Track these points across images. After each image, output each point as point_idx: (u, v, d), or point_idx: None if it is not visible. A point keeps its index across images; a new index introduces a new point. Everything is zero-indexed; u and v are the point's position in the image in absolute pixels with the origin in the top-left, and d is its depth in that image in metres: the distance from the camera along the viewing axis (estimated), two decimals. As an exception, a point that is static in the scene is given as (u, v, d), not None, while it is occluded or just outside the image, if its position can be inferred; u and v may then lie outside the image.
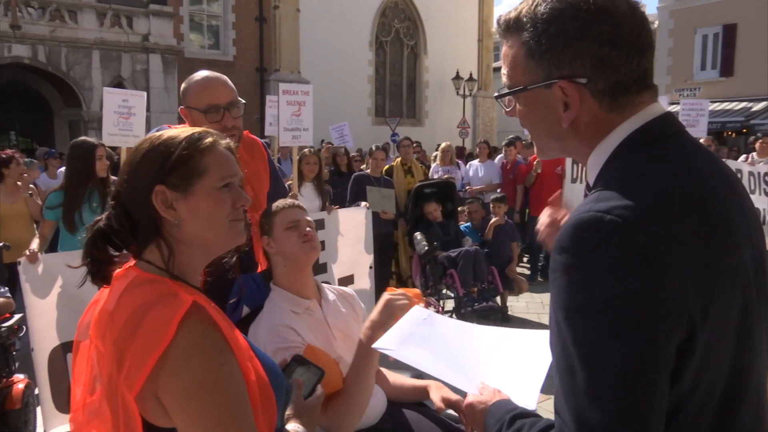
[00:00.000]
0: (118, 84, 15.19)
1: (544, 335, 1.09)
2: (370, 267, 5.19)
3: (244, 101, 2.37)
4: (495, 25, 1.05)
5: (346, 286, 4.28)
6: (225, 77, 2.37)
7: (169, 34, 16.49)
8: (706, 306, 0.83)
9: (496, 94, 1.08)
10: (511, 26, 0.98)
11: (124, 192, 1.18)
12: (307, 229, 2.16)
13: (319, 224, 4.80)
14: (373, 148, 6.69)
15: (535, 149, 1.11)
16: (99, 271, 1.20)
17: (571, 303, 0.84)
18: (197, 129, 1.23)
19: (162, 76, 16.16)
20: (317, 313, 2.13)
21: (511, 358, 1.50)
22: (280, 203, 2.24)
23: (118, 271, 1.19)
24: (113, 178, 3.95)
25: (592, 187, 0.95)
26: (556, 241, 0.88)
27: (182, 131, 1.21)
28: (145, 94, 6.14)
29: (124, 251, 1.21)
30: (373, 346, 1.74)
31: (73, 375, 1.20)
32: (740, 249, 0.89)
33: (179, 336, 1.03)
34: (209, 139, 1.20)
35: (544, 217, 1.47)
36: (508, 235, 6.50)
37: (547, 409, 1.12)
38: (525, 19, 0.96)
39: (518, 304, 6.75)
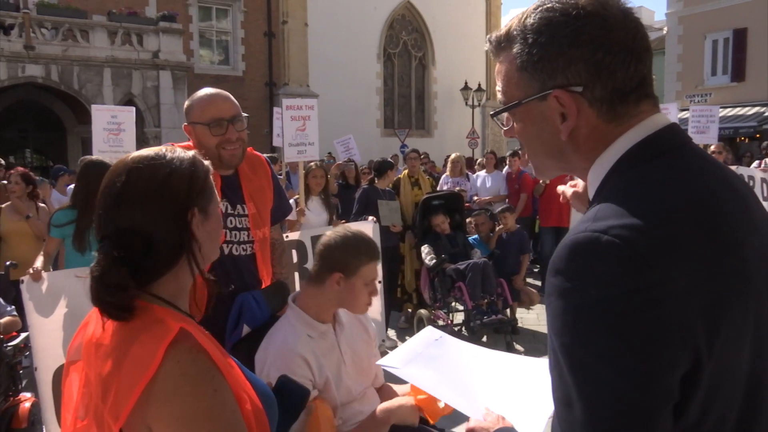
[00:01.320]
0: (129, 101, 15.34)
1: None
2: (379, 281, 5.13)
3: (247, 115, 2.38)
4: (486, 44, 1.04)
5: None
6: (227, 92, 2.39)
7: (178, 50, 16.58)
8: (712, 334, 0.77)
9: (491, 113, 1.05)
10: (502, 42, 0.96)
11: (143, 217, 1.09)
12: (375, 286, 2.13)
13: (326, 239, 4.79)
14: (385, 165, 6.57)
15: (533, 170, 1.05)
16: (112, 298, 1.08)
17: (566, 329, 0.79)
18: (190, 152, 1.19)
19: (172, 92, 16.22)
20: (330, 338, 2.12)
21: (521, 387, 1.46)
22: (373, 251, 2.13)
23: None
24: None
25: (591, 203, 0.91)
26: (551, 263, 0.83)
27: (181, 152, 1.17)
28: (133, 109, 6.17)
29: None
30: (378, 362, 1.78)
31: (63, 399, 1.19)
32: (749, 268, 0.83)
33: (167, 365, 1.00)
34: (207, 162, 1.21)
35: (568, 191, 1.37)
36: (517, 245, 6.41)
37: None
38: (515, 33, 0.93)
39: (529, 316, 6.68)
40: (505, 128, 1.02)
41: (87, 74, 15.16)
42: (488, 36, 1.01)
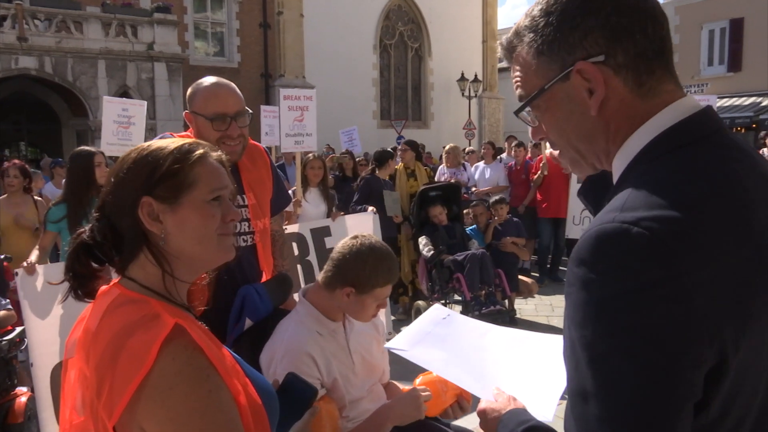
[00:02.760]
0: (124, 93, 15.25)
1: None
2: None
3: (251, 111, 2.34)
4: (499, 49, 1.03)
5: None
6: (233, 85, 2.34)
7: (173, 42, 16.47)
8: (739, 330, 0.75)
9: (515, 110, 1.00)
10: (513, 41, 0.95)
11: (110, 203, 1.14)
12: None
13: (325, 231, 4.78)
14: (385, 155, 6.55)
15: (566, 165, 0.99)
16: (82, 287, 1.15)
17: (588, 321, 0.76)
18: (188, 140, 1.20)
19: (167, 84, 16.12)
20: (340, 336, 2.08)
21: (531, 365, 1.43)
22: (393, 274, 2.05)
23: (103, 287, 1.15)
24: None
25: (615, 189, 0.87)
26: (574, 252, 0.80)
27: (172, 142, 1.18)
28: (145, 103, 6.21)
29: (108, 266, 1.16)
30: (386, 345, 1.73)
31: (62, 394, 1.17)
32: None
33: (161, 362, 0.98)
34: (199, 151, 1.15)
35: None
36: (514, 233, 6.44)
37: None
38: (523, 27, 0.92)
39: (527, 306, 6.69)
40: (533, 126, 0.98)
41: (81, 66, 15.06)
42: (499, 42, 1.00)
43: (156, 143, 1.17)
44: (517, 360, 1.47)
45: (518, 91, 0.96)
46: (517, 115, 0.98)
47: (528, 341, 1.59)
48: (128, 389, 0.96)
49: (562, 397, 1.20)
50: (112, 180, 1.15)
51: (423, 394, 1.92)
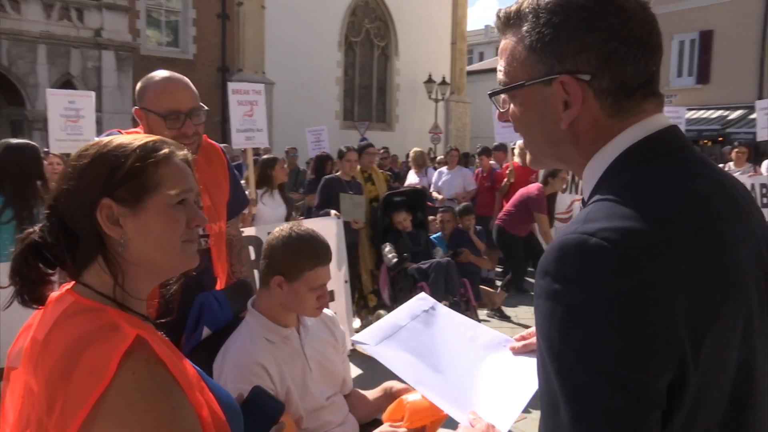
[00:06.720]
0: (67, 82, 14.66)
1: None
2: (346, 281, 4.91)
3: (206, 107, 2.28)
4: (495, 18, 0.98)
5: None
6: (187, 80, 2.29)
7: (123, 29, 15.98)
8: (698, 341, 0.77)
9: (490, 91, 1.02)
10: (512, 18, 0.94)
11: (64, 202, 1.10)
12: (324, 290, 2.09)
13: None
14: (344, 149, 6.16)
15: (527, 158, 1.10)
16: (30, 292, 1.10)
17: (553, 332, 0.78)
18: (152, 137, 1.17)
19: (116, 74, 15.64)
20: (294, 342, 2.09)
21: (502, 373, 1.44)
22: (319, 255, 2.04)
23: (53, 294, 1.11)
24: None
25: (585, 203, 0.91)
26: (540, 264, 0.83)
27: (135, 138, 1.14)
28: (93, 94, 6.08)
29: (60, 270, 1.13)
30: (353, 338, 1.73)
31: (3, 409, 1.12)
32: (740, 274, 0.83)
33: (121, 376, 0.95)
34: (165, 150, 1.14)
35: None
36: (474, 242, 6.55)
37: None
38: (527, 10, 0.92)
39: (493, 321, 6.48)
40: (501, 110, 1.02)
41: (18, 50, 14.37)
42: (497, 11, 0.99)
43: (118, 139, 1.15)
44: (489, 367, 1.46)
45: (500, 75, 0.98)
46: (491, 97, 1.01)
47: (504, 348, 1.55)
48: (84, 406, 0.94)
49: (525, 410, 1.29)
50: (69, 176, 1.11)
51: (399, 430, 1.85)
